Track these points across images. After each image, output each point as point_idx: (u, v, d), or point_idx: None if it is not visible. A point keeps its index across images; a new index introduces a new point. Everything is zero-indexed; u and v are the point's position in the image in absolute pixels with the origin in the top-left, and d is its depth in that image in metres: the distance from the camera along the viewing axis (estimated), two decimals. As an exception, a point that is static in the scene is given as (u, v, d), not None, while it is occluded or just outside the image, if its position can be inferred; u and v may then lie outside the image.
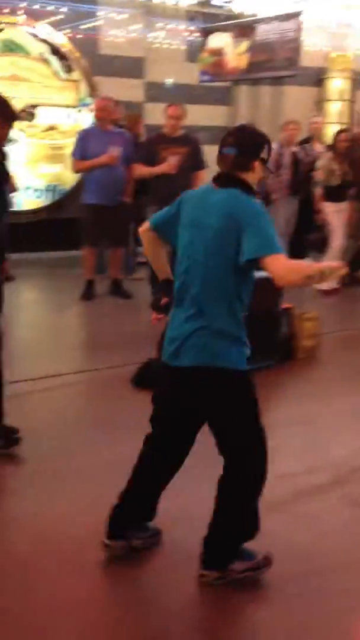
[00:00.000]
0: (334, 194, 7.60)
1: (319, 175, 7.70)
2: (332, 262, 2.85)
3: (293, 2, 8.89)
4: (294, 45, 7.95)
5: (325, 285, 7.51)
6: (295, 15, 7.95)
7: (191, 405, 2.80)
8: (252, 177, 2.75)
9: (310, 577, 2.92)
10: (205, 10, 9.83)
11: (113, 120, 7.64)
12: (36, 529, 3.21)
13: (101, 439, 4.13)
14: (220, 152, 2.78)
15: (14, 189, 7.98)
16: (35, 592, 2.78)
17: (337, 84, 10.47)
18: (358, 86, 10.66)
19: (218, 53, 9.05)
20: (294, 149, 8.42)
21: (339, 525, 3.33)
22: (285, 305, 5.56)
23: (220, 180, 2.76)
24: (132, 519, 2.99)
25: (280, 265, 2.55)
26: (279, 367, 5.36)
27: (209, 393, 2.73)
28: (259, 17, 8.87)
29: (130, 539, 2.97)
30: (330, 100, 10.50)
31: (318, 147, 8.79)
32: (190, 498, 3.32)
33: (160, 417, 2.91)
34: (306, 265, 2.80)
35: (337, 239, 7.54)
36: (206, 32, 9.11)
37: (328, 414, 4.60)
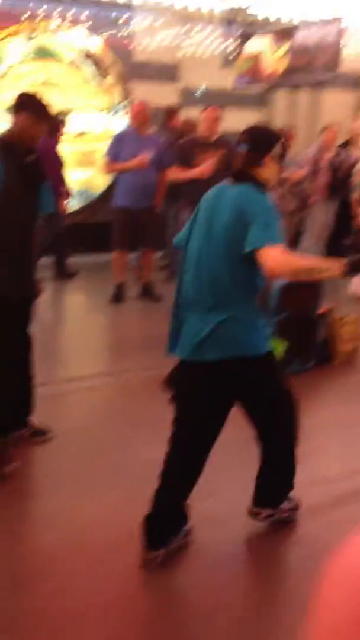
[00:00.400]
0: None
1: (356, 179, 7.56)
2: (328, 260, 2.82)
3: (332, 8, 8.78)
4: (334, 50, 7.85)
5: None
6: (335, 21, 7.84)
7: (221, 394, 2.84)
8: (265, 173, 2.85)
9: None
10: (242, 17, 9.76)
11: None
12: (70, 529, 3.14)
13: (133, 439, 4.05)
14: (235, 149, 2.94)
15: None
16: (68, 593, 2.71)
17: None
18: None
19: (255, 58, 8.98)
20: (332, 152, 8.29)
21: (381, 531, 3.18)
22: (323, 308, 5.43)
23: (234, 176, 2.87)
24: (168, 526, 2.92)
25: (270, 257, 2.62)
26: (317, 370, 5.24)
27: (241, 381, 2.84)
28: (297, 22, 8.78)
29: (168, 544, 2.90)
30: (369, 105, 10.33)
31: (356, 152, 8.65)
32: (218, 500, 3.25)
33: (186, 415, 2.90)
34: (297, 259, 2.87)
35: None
36: (243, 38, 9.04)
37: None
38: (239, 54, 9.10)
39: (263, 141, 2.88)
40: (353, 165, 7.93)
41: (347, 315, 5.65)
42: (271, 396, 2.95)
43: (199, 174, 6.69)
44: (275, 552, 3.01)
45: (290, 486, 3.17)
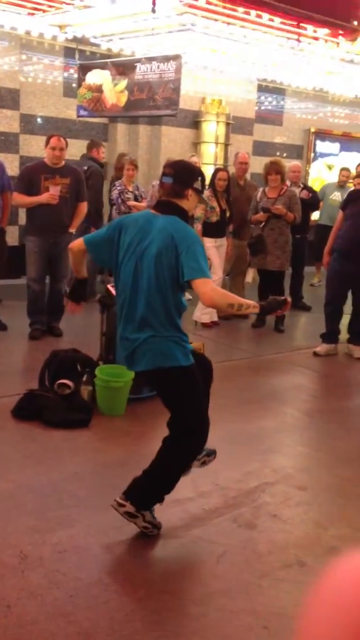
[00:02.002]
0: (213, 229, 7.76)
1: (197, 211, 7.83)
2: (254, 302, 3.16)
3: (171, 45, 9.12)
4: (174, 86, 8.07)
5: (205, 318, 7.62)
6: (175, 57, 8.11)
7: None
8: (187, 205, 3.17)
9: (209, 599, 2.87)
10: (83, 47, 9.88)
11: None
12: None
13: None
14: (160, 181, 3.23)
15: None
16: None
17: (212, 127, 10.77)
18: (232, 130, 11.01)
19: (96, 89, 9.09)
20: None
21: (233, 547, 3.31)
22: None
23: (160, 207, 3.17)
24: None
25: (209, 288, 2.96)
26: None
27: (164, 387, 3.23)
28: (138, 56, 9.00)
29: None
30: (205, 142, 10.77)
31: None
32: (81, 529, 3.19)
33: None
34: (230, 294, 3.20)
35: (216, 273, 7.68)
36: (84, 69, 9.12)
37: (214, 440, 4.56)
38: (80, 84, 9.16)
39: (186, 175, 3.18)
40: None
41: (193, 342, 5.81)
42: (184, 406, 3.18)
43: (45, 200, 6.67)
44: (133, 575, 3.02)
45: (160, 497, 3.26)
